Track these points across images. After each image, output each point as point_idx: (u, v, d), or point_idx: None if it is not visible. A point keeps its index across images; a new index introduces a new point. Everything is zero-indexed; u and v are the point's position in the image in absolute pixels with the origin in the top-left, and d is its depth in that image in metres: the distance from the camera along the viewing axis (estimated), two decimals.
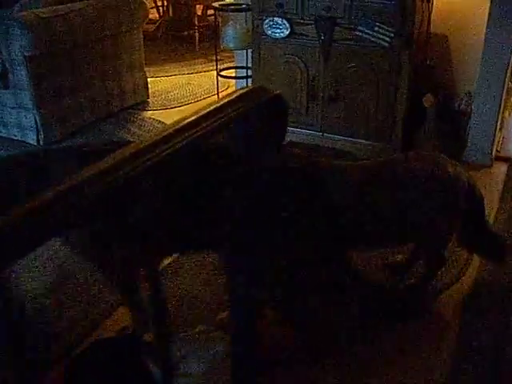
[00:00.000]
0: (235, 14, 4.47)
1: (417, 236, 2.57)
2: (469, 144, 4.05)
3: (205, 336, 2.34)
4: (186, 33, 7.27)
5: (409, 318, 2.62)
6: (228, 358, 2.07)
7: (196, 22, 7.00)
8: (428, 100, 4.02)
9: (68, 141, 4.58)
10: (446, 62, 4.30)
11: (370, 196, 2.40)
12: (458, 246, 2.81)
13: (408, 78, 3.80)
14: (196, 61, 6.48)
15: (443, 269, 2.77)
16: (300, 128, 4.29)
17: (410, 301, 2.74)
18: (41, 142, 4.50)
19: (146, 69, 5.50)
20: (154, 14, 7.92)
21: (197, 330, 2.44)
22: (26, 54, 4.20)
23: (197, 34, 6.92)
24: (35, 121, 4.45)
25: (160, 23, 7.52)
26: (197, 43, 6.89)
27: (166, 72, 6.28)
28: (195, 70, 6.23)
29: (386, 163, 2.53)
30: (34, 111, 4.41)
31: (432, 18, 4.12)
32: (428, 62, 4.27)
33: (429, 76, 4.26)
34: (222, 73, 5.07)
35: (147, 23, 7.48)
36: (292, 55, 4.08)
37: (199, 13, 7.30)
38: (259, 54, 4.22)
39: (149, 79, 5.81)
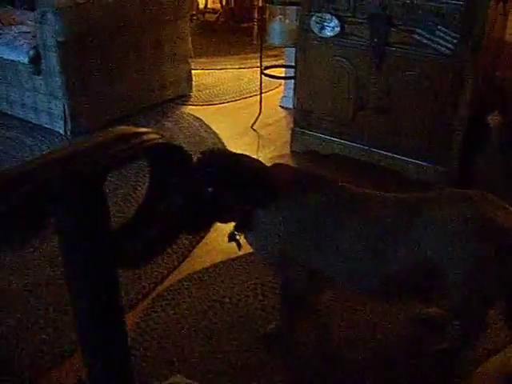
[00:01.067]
0: (284, 7, 4.02)
1: (441, 296, 2.09)
2: None
3: None
4: (245, 25, 6.87)
5: None
6: None
7: (256, 15, 6.57)
8: (495, 119, 3.47)
9: (97, 133, 4.24)
10: None
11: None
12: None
13: (471, 93, 3.26)
14: (250, 55, 6.06)
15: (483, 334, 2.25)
16: (345, 140, 3.83)
17: (440, 369, 2.25)
18: (68, 132, 4.20)
19: (195, 60, 5.15)
20: (216, 4, 7.58)
21: (172, 380, 2.04)
22: (59, 39, 3.93)
23: (255, 27, 6.51)
24: (63, 109, 4.14)
25: (220, 13, 7.14)
26: (254, 36, 6.48)
27: (216, 65, 5.91)
28: (248, 65, 5.82)
29: (411, 202, 2.05)
30: (63, 99, 4.13)
31: (508, 23, 3.55)
32: (498, 75, 3.71)
33: (498, 91, 3.69)
34: (269, 71, 4.62)
35: (208, 12, 7.16)
36: (340, 57, 3.62)
37: (261, 4, 6.86)
38: (304, 52, 3.78)
39: (196, 71, 5.47)
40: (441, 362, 2.29)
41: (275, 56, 5.64)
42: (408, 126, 3.53)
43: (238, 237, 2.19)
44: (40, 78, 4.16)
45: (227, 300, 2.61)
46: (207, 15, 7.62)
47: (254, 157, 3.95)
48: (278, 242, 2.09)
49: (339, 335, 2.42)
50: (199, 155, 2.06)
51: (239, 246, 2.24)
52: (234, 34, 7.02)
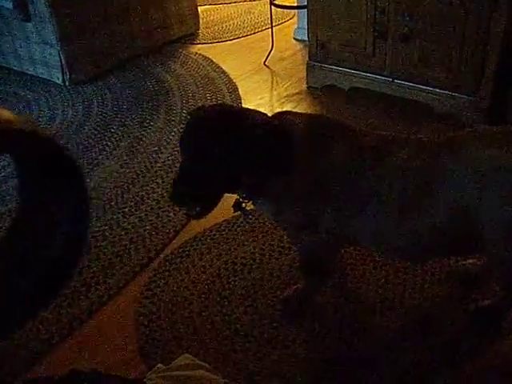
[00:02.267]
0: None
1: (476, 249, 1.79)
2: None
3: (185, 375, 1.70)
4: None
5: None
6: None
7: None
8: None
9: (99, 81, 3.96)
10: None
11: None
12: None
13: (508, 14, 2.85)
14: None
15: None
16: (366, 72, 3.48)
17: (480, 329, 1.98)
18: (66, 83, 3.91)
19: None
20: None
21: (179, 360, 1.80)
22: None
23: None
24: (59, 57, 3.83)
25: None
26: None
27: None
28: None
29: (445, 145, 1.72)
30: (58, 47, 3.81)
31: None
32: None
33: None
34: (280, 1, 4.24)
35: None
36: None
37: None
38: None
39: (203, 7, 5.12)
40: (481, 321, 2.01)
41: None
42: (435, 53, 3.16)
43: (244, 205, 1.89)
44: (30, 24, 3.83)
45: (240, 261, 2.35)
46: None
47: (267, 96, 3.72)
48: (298, 206, 1.80)
49: (366, 299, 2.14)
50: (187, 116, 1.76)
51: (246, 215, 1.96)
52: None
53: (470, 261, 2.17)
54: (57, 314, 2.18)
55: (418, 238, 1.75)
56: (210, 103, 3.46)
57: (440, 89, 3.24)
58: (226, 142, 1.63)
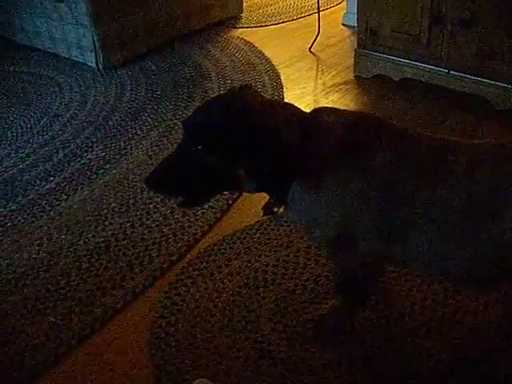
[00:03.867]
0: None
1: None
2: None
3: None
4: None
5: None
6: None
7: None
8: None
9: (134, 65, 3.75)
10: None
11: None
12: None
13: None
14: None
15: None
16: (419, 62, 3.18)
17: None
18: (100, 66, 3.71)
19: None
20: None
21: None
22: None
23: None
24: (93, 40, 3.64)
25: None
26: None
27: None
28: None
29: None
30: (92, 28, 3.61)
31: None
32: None
33: None
34: None
35: None
36: None
37: None
38: None
39: None
40: None
41: None
42: (498, 43, 2.84)
43: (276, 209, 1.63)
44: (63, 5, 3.63)
45: (272, 269, 2.11)
46: None
47: (311, 85, 3.45)
48: (334, 220, 1.53)
49: (411, 320, 1.87)
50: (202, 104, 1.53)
51: (278, 221, 1.71)
52: None
53: None
54: (68, 320, 1.97)
55: (479, 264, 1.47)
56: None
57: (502, 83, 2.92)
58: (226, 133, 1.41)
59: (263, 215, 1.69)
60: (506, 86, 2.91)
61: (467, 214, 1.41)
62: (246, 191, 1.62)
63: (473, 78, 3.02)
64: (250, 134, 1.39)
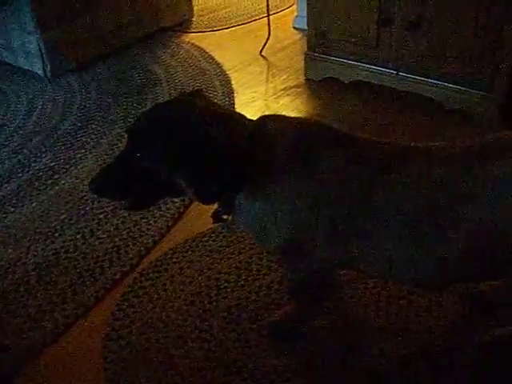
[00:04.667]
0: None
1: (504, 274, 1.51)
2: None
3: None
4: None
5: None
6: None
7: None
8: None
9: (83, 72, 3.69)
10: None
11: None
12: None
13: None
14: None
15: None
16: (369, 64, 3.20)
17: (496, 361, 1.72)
18: (48, 74, 3.63)
19: None
20: None
21: None
22: None
23: None
24: (39, 46, 3.56)
25: None
26: None
27: None
28: None
29: (473, 154, 1.43)
30: (37, 34, 3.52)
31: None
32: None
33: None
34: None
35: None
36: None
37: None
38: None
39: None
40: (497, 354, 1.75)
41: None
42: (445, 44, 2.88)
43: (225, 217, 1.62)
44: (7, 9, 3.54)
45: (224, 277, 2.09)
46: None
47: (262, 89, 3.44)
48: (282, 228, 1.52)
49: (366, 324, 1.88)
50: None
51: (228, 229, 1.69)
52: None
53: (487, 284, 1.90)
54: (16, 337, 1.92)
55: (433, 266, 1.47)
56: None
57: (451, 83, 2.97)
58: (162, 142, 1.40)
59: (213, 223, 1.68)
60: (453, 86, 2.95)
61: (416, 218, 1.41)
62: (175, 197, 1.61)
63: (422, 78, 3.05)
64: (187, 143, 1.38)
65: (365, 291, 1.99)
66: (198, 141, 1.38)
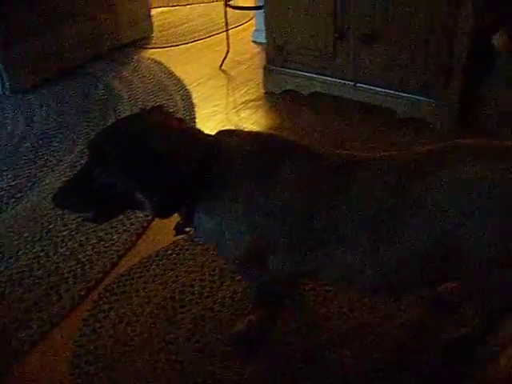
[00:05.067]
0: None
1: (460, 273, 1.57)
2: None
3: None
4: None
5: None
6: None
7: None
8: (501, 40, 2.89)
9: (44, 89, 3.69)
10: None
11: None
12: None
13: (474, 9, 2.67)
14: None
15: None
16: (327, 76, 3.27)
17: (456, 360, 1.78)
18: (7, 91, 3.64)
19: None
20: None
21: None
22: None
23: None
24: None
25: None
26: None
27: (182, 0, 5.25)
28: None
29: (420, 163, 1.49)
30: None
31: None
32: None
33: (504, 7, 3.10)
34: (236, 1, 4.02)
35: None
36: None
37: None
38: None
39: (158, 9, 4.87)
40: (455, 352, 1.81)
41: None
42: (399, 55, 2.98)
43: (188, 229, 1.66)
44: None
45: (188, 289, 2.12)
46: None
47: (223, 103, 3.49)
48: (241, 240, 1.56)
49: (330, 328, 1.93)
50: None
51: (192, 240, 1.73)
52: None
53: (443, 286, 1.96)
54: None
55: (389, 273, 1.53)
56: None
57: (405, 93, 3.06)
58: (119, 158, 1.44)
59: (175, 235, 1.71)
60: (408, 95, 3.04)
61: (375, 227, 1.46)
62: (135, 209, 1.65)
63: (378, 89, 3.14)
64: (139, 158, 1.42)
65: (327, 297, 2.03)
66: (148, 156, 1.42)
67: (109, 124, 1.59)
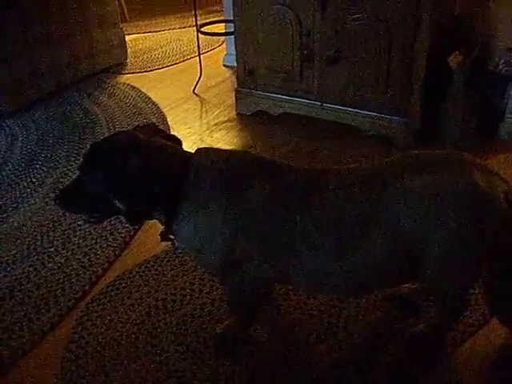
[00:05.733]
0: None
1: (420, 274, 1.75)
2: (508, 116, 3.16)
3: None
4: None
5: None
6: None
7: None
8: (455, 59, 3.13)
9: (23, 114, 3.83)
10: (481, 11, 3.35)
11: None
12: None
13: (429, 32, 2.90)
14: (190, 13, 5.59)
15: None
16: (295, 97, 3.47)
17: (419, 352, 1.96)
18: None
19: (130, 24, 4.80)
20: None
21: None
22: None
23: None
24: None
25: None
26: None
27: (155, 27, 5.50)
28: (188, 24, 5.41)
29: (379, 174, 1.68)
30: None
31: None
32: (457, 12, 3.36)
33: (458, 29, 3.36)
34: (208, 28, 4.22)
35: None
36: (280, 4, 3.22)
37: None
38: (241, 3, 3.37)
39: (132, 36, 5.08)
40: (416, 349, 1.98)
41: (217, 12, 5.21)
42: (362, 75, 3.19)
43: (171, 236, 1.83)
44: None
45: (171, 297, 2.27)
46: None
47: (196, 125, 3.66)
48: (216, 248, 1.73)
49: (302, 330, 2.10)
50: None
51: (176, 246, 1.90)
52: None
53: (405, 286, 2.15)
54: None
55: (356, 276, 1.70)
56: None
57: (369, 111, 3.26)
58: (102, 167, 1.65)
59: (161, 241, 1.87)
60: (371, 113, 3.24)
61: (339, 234, 1.64)
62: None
63: (343, 108, 3.34)
64: (117, 171, 1.63)
65: (299, 302, 2.20)
66: (125, 169, 1.62)
67: (87, 147, 1.78)
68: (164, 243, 1.93)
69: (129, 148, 1.66)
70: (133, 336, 2.11)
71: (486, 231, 1.59)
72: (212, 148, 1.86)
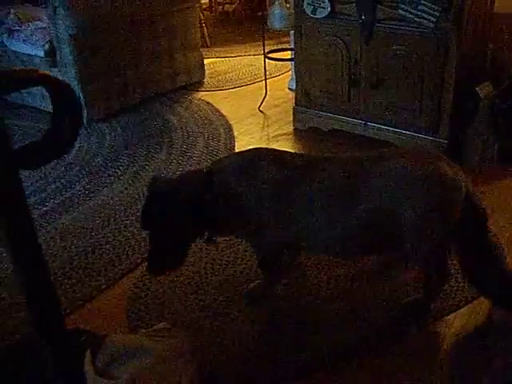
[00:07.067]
0: None
1: (395, 245, 2.25)
2: None
3: (159, 334, 2.15)
4: (260, 13, 7.02)
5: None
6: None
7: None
8: (484, 89, 3.58)
9: (112, 120, 4.53)
10: None
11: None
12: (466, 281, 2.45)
13: (456, 64, 3.38)
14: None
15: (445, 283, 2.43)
16: (343, 115, 4.00)
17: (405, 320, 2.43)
18: (84, 120, 4.46)
19: (211, 49, 5.67)
20: None
21: (157, 327, 2.26)
22: (71, 32, 4.18)
23: None
24: (79, 98, 4.40)
25: (237, 3, 7.35)
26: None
27: (231, 52, 6.14)
28: (261, 51, 5.98)
29: (366, 158, 2.22)
30: (79, 89, 4.37)
31: None
32: (490, 47, 3.82)
33: (490, 61, 3.80)
34: (275, 55, 4.82)
35: (226, 3, 7.38)
36: (333, 36, 3.79)
37: None
38: (301, 34, 3.97)
39: (211, 60, 5.73)
40: (411, 312, 2.45)
41: (287, 42, 5.81)
42: (399, 99, 3.67)
43: (214, 238, 2.39)
44: (56, 69, 4.42)
45: (218, 262, 2.82)
46: (226, 6, 7.85)
47: (257, 136, 4.23)
48: (248, 221, 2.26)
49: (316, 289, 2.60)
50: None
51: (216, 245, 2.59)
52: (250, 22, 7.23)
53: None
54: (71, 291, 2.64)
55: (346, 239, 2.21)
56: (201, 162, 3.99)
57: (405, 130, 3.74)
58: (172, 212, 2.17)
59: (206, 244, 2.47)
60: (406, 132, 3.73)
61: (331, 204, 2.16)
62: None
63: (383, 127, 3.83)
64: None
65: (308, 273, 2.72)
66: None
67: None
68: None
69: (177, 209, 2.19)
70: (184, 285, 2.67)
71: (450, 209, 2.09)
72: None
